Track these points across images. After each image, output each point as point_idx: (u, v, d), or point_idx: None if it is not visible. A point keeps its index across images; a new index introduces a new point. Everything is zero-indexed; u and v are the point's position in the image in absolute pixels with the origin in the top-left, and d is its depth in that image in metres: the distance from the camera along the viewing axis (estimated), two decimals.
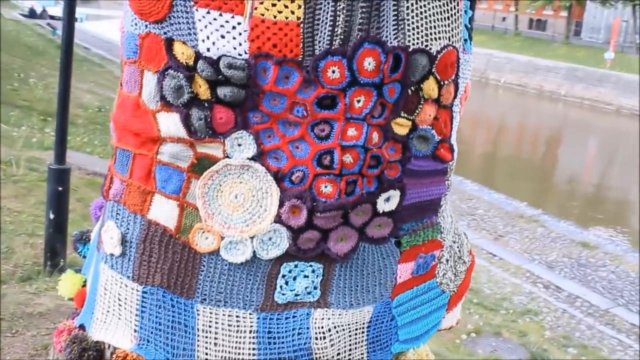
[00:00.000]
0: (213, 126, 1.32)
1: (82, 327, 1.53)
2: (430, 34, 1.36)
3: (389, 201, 1.44)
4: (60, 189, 4.64)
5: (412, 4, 1.33)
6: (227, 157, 1.35)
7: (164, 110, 1.34)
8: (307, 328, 1.42)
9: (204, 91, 1.31)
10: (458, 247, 1.67)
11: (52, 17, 31.29)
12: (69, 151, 4.83)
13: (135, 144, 1.39)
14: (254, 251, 1.38)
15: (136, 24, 1.34)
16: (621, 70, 31.19)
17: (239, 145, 1.34)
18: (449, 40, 1.41)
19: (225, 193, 1.37)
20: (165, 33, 1.30)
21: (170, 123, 1.34)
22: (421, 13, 1.35)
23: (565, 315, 6.54)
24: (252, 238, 1.38)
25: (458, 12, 1.43)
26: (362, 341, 1.48)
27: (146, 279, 1.40)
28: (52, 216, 4.66)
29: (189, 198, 1.38)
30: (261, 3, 1.27)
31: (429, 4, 1.35)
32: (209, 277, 1.40)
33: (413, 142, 1.44)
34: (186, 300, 1.40)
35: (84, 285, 1.71)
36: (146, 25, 1.32)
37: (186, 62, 1.30)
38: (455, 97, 1.49)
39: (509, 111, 28.02)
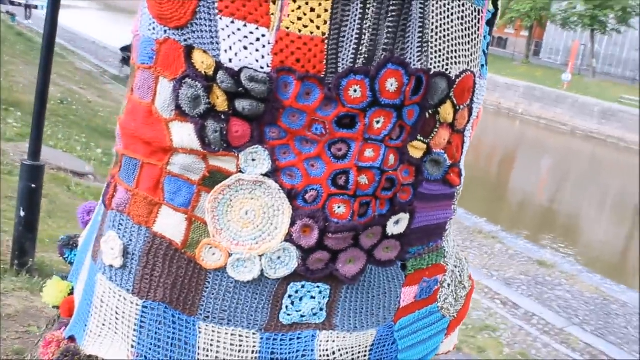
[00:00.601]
0: (228, 139, 1.28)
1: (71, 338, 1.46)
2: (451, 57, 1.35)
3: (398, 224, 1.42)
4: (33, 186, 4.48)
5: (436, 27, 1.31)
6: (240, 171, 1.31)
7: (178, 119, 1.29)
8: (312, 350, 1.38)
9: (221, 103, 1.27)
10: (459, 271, 1.65)
11: (11, 3, 30.49)
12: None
13: (145, 152, 1.34)
14: (262, 270, 1.34)
15: (154, 29, 1.28)
16: (577, 92, 31.91)
17: (253, 160, 1.30)
18: (468, 65, 1.40)
19: (236, 209, 1.33)
20: (185, 40, 1.26)
21: (184, 133, 1.29)
22: (444, 36, 1.33)
23: (522, 332, 6.62)
24: (260, 256, 1.33)
25: (478, 37, 1.42)
26: None
27: (147, 293, 1.35)
28: (22, 214, 4.49)
29: (197, 212, 1.33)
30: (287, 16, 1.24)
31: (452, 27, 1.34)
32: (213, 294, 1.35)
33: (426, 166, 1.42)
34: (188, 317, 1.35)
35: (71, 293, 1.64)
36: (165, 31, 1.27)
37: (205, 72, 1.25)
38: (468, 121, 1.48)
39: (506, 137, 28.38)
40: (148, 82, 1.31)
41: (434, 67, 1.32)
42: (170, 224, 1.34)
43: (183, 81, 1.26)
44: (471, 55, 1.40)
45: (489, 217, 11.67)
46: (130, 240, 1.36)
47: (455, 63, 1.36)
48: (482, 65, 1.49)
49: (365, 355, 1.45)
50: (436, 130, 1.40)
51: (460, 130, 1.47)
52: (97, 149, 9.14)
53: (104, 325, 1.39)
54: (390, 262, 1.45)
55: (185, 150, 1.30)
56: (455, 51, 1.36)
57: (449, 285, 1.61)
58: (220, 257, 1.33)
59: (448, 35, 1.34)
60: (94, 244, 1.47)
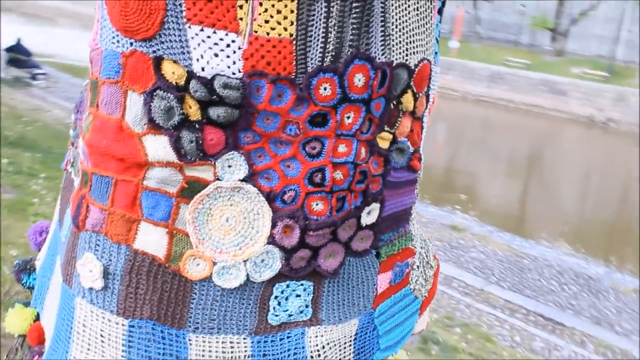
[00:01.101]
0: (204, 148, 1.27)
1: None
2: (410, 48, 1.39)
3: (370, 214, 1.45)
4: None
5: (396, 19, 1.35)
6: (218, 179, 1.30)
7: (150, 133, 1.26)
8: (303, 347, 1.40)
9: (194, 112, 1.25)
10: (425, 252, 1.71)
11: None
12: None
13: (118, 169, 1.30)
14: (247, 274, 1.34)
15: (118, 41, 1.24)
16: (466, 58, 33.04)
17: (230, 166, 1.29)
18: (424, 53, 1.44)
19: (216, 217, 1.32)
20: (154, 52, 1.23)
21: (158, 147, 1.26)
22: (403, 28, 1.36)
23: (445, 297, 6.88)
24: (245, 261, 1.33)
25: (432, 25, 1.46)
26: (350, 354, 1.48)
27: (133, 312, 1.32)
28: None
29: (178, 224, 1.31)
30: (254, 20, 1.23)
31: (410, 18, 1.38)
32: (200, 304, 1.34)
33: (392, 155, 1.46)
34: (177, 331, 1.33)
35: (36, 320, 1.58)
36: (131, 43, 1.23)
37: (176, 82, 1.23)
38: (426, 108, 1.53)
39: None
40: (116, 97, 1.27)
41: (396, 59, 1.36)
42: (151, 240, 1.31)
43: (154, 93, 1.23)
44: (427, 44, 1.45)
45: None
46: (110, 260, 1.32)
47: (414, 53, 1.40)
48: (435, 53, 1.54)
49: (350, 345, 1.48)
50: (400, 119, 1.44)
51: (420, 117, 1.51)
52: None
53: (89, 349, 1.35)
54: (366, 251, 1.48)
55: (161, 163, 1.27)
56: (413, 41, 1.39)
57: (417, 266, 1.66)
58: (205, 267, 1.32)
59: (406, 26, 1.37)
60: (65, 267, 1.42)
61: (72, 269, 1.39)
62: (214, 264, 1.32)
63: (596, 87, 27.64)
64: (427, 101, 1.53)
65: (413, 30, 1.39)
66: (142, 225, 1.31)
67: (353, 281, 1.49)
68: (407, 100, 1.43)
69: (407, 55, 1.38)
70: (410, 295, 1.64)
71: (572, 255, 9.76)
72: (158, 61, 1.23)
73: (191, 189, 1.29)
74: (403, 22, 1.36)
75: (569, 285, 8.19)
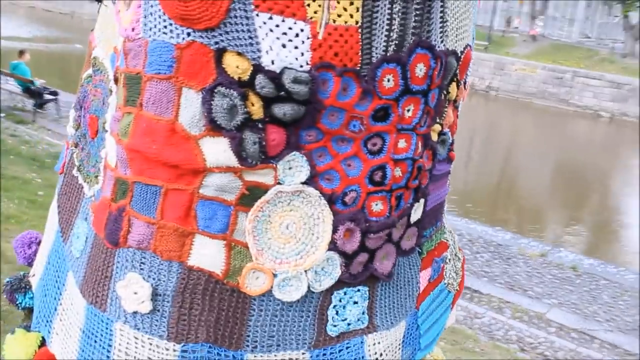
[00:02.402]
0: (266, 150, 1.13)
1: None
2: (458, 34, 1.31)
3: (416, 211, 1.37)
4: None
5: (451, 4, 1.26)
6: (279, 183, 1.17)
7: (209, 135, 1.11)
8: (362, 357, 1.31)
9: (257, 110, 1.11)
10: (453, 244, 1.65)
11: None
12: None
13: (169, 177, 1.14)
14: (308, 284, 1.23)
15: (172, 31, 1.08)
16: None
17: (290, 168, 1.17)
18: (468, 39, 1.36)
19: (275, 224, 1.19)
20: (216, 43, 1.07)
21: (218, 150, 1.12)
22: (455, 13, 1.28)
23: None
24: (306, 271, 1.22)
25: (473, 9, 1.39)
26: (399, 358, 1.41)
27: (187, 335, 1.17)
28: None
29: (236, 235, 1.17)
30: (319, 5, 1.11)
31: (460, 3, 1.29)
32: (259, 321, 1.21)
33: (437, 147, 1.38)
34: (235, 352, 1.20)
35: (42, 345, 1.40)
36: (189, 34, 1.07)
37: (239, 77, 1.09)
38: (463, 96, 1.46)
39: None
40: (167, 95, 1.10)
41: (449, 47, 1.28)
42: (208, 254, 1.17)
43: (215, 90, 1.08)
44: (469, 29, 1.37)
45: None
46: (159, 280, 1.17)
47: (462, 39, 1.32)
48: (473, 37, 1.47)
49: (399, 348, 1.41)
50: (446, 109, 1.37)
51: (458, 105, 1.44)
52: None
53: None
54: (412, 250, 1.41)
55: (221, 168, 1.13)
56: (461, 27, 1.32)
57: (449, 260, 1.60)
58: (264, 280, 1.20)
59: (458, 11, 1.29)
60: (94, 288, 1.24)
61: (104, 290, 1.22)
62: (274, 276, 1.20)
63: (477, 56, 28.83)
64: (465, 89, 1.46)
65: (462, 15, 1.31)
66: (197, 239, 1.16)
67: (401, 282, 1.41)
68: (453, 89, 1.36)
69: (456, 42, 1.30)
70: (445, 291, 1.58)
71: (481, 223, 10.11)
72: (220, 54, 1.08)
73: (251, 195, 1.16)
74: (456, 6, 1.28)
75: (481, 253, 8.48)
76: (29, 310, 1.50)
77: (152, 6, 1.09)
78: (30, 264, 1.55)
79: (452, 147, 1.47)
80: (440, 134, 1.37)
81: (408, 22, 1.19)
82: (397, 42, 1.18)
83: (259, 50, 1.08)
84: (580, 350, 5.10)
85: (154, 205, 1.15)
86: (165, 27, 1.08)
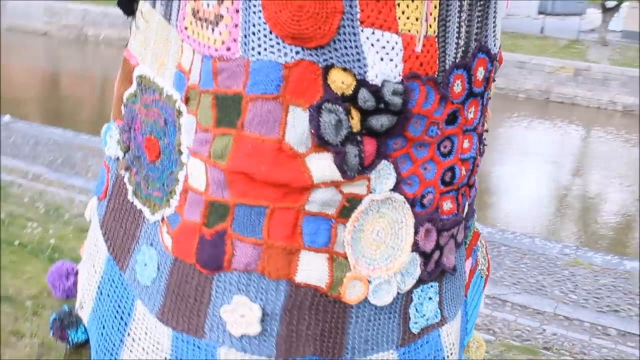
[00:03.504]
0: (363, 161, 1.16)
1: None
2: (497, 36, 1.39)
3: (467, 205, 1.45)
4: None
5: (499, 8, 1.33)
6: (371, 192, 1.20)
7: (314, 151, 1.12)
8: (440, 349, 1.37)
9: (356, 123, 1.14)
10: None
11: None
12: None
13: (275, 197, 1.13)
14: (397, 287, 1.27)
15: (279, 50, 1.07)
16: None
17: (379, 177, 1.20)
18: (500, 40, 1.45)
19: (367, 232, 1.22)
20: (325, 60, 1.08)
21: (324, 166, 1.13)
22: (500, 16, 1.36)
23: None
24: (394, 274, 1.26)
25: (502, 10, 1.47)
26: (458, 344, 1.48)
27: (295, 352, 1.18)
28: None
29: (337, 247, 1.19)
30: (407, 18, 1.14)
31: (503, 4, 1.37)
32: (357, 328, 1.24)
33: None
34: None
35: None
36: (297, 52, 1.07)
37: (342, 92, 1.10)
38: None
39: (112, 65, 27.31)
40: (274, 115, 1.10)
41: (498, 49, 1.36)
42: (313, 269, 1.18)
43: (322, 107, 1.09)
44: (499, 29, 1.45)
45: None
46: (267, 300, 1.16)
47: (498, 39, 1.40)
48: None
49: (459, 335, 1.49)
50: (487, 107, 1.44)
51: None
52: None
53: None
54: (463, 242, 1.48)
55: (326, 183, 1.14)
56: (499, 29, 1.39)
57: (479, 247, 1.69)
58: (361, 288, 1.22)
59: (500, 13, 1.37)
60: (186, 315, 1.21)
61: (201, 317, 1.20)
62: (369, 282, 1.23)
63: None
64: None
65: (499, 18, 1.39)
66: (302, 255, 1.17)
67: (457, 274, 1.48)
68: (492, 88, 1.43)
69: (496, 43, 1.38)
70: (480, 277, 1.67)
71: None
72: (327, 70, 1.09)
73: (350, 207, 1.18)
74: (500, 9, 1.35)
75: None
76: (78, 346, 1.43)
77: (254, 25, 1.08)
78: (69, 297, 1.48)
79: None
80: (485, 130, 1.45)
81: (472, 28, 1.25)
82: (463, 48, 1.24)
83: (365, 65, 1.10)
84: (495, 314, 5.41)
85: (259, 226, 1.15)
86: (272, 46, 1.08)
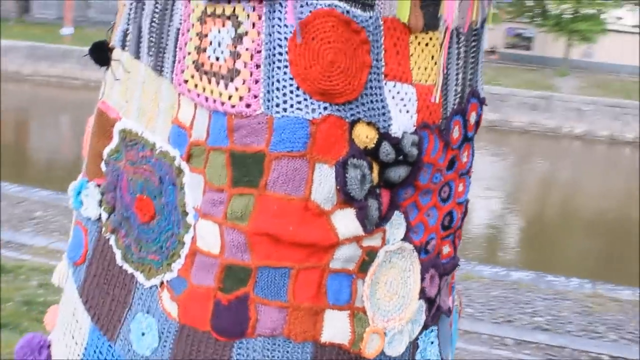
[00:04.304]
0: (381, 214, 1.15)
1: None
2: (482, 79, 1.42)
3: None
4: None
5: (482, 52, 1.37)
6: (385, 243, 1.18)
7: (339, 208, 1.09)
8: None
9: (375, 176, 1.12)
10: None
11: None
12: None
13: (301, 257, 1.09)
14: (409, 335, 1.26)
15: (307, 106, 1.04)
16: (80, 44, 31.64)
17: (391, 227, 1.19)
18: None
19: (381, 284, 1.21)
20: (352, 115, 1.06)
21: (348, 222, 1.10)
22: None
23: None
24: (406, 323, 1.25)
25: None
26: None
27: None
28: None
29: (357, 303, 1.16)
30: (419, 68, 1.15)
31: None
32: None
33: None
34: None
35: None
36: (325, 108, 1.04)
37: (365, 146, 1.08)
38: None
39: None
40: (300, 173, 1.06)
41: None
42: (337, 327, 1.14)
43: (347, 162, 1.07)
44: None
45: None
46: None
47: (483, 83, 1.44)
48: None
49: None
50: None
51: None
52: None
53: None
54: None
55: (350, 239, 1.11)
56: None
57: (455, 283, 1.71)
58: (378, 341, 1.20)
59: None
60: None
61: None
62: (385, 334, 1.21)
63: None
64: None
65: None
66: (327, 315, 1.13)
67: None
68: None
69: (482, 87, 1.41)
70: (456, 311, 1.69)
71: None
72: (352, 125, 1.07)
73: (369, 260, 1.16)
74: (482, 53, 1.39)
75: None
76: None
77: (278, 81, 1.04)
78: None
79: None
80: None
81: (466, 74, 1.28)
82: (460, 94, 1.26)
83: (389, 119, 1.09)
84: None
85: (284, 288, 1.10)
86: (300, 102, 1.04)
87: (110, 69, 1.30)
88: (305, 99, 1.04)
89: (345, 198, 1.08)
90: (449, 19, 1.11)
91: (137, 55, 1.23)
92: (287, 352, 1.12)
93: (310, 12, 1.01)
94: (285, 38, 1.02)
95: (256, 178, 1.06)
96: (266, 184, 1.06)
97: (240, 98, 1.06)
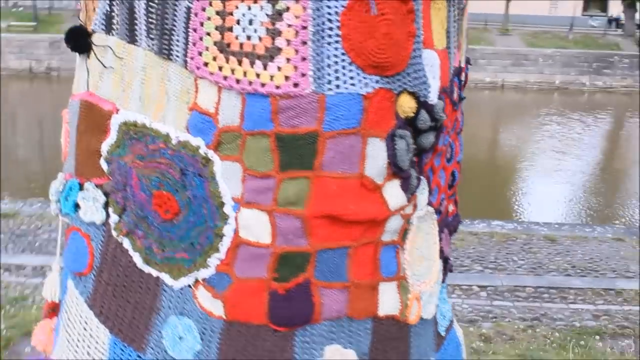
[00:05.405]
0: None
1: None
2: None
3: None
4: None
5: None
6: (416, 210, 1.19)
7: (388, 180, 1.08)
8: (458, 343, 1.43)
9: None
10: None
11: None
12: None
13: (358, 234, 1.07)
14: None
15: (360, 81, 1.00)
16: None
17: (419, 193, 1.20)
18: None
19: (412, 249, 1.21)
20: (399, 86, 1.04)
21: (397, 193, 1.10)
22: None
23: None
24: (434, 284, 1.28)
25: None
26: None
27: None
28: None
29: (402, 272, 1.16)
30: (437, 33, 1.15)
31: None
32: (415, 346, 1.24)
33: None
34: None
35: None
36: (377, 81, 1.01)
37: (407, 116, 1.08)
38: None
39: None
40: (355, 150, 1.03)
41: None
42: (390, 299, 1.14)
43: (394, 134, 1.06)
44: None
45: None
46: (359, 342, 1.11)
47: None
48: None
49: None
50: None
51: None
52: None
53: None
54: None
55: (397, 210, 1.11)
56: None
57: None
58: (417, 306, 1.22)
59: None
60: None
61: None
62: (421, 299, 1.23)
63: (28, 38, 26.83)
64: None
65: None
66: (381, 288, 1.13)
67: None
68: None
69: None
70: None
71: None
72: (397, 96, 1.05)
73: (408, 228, 1.16)
74: None
75: None
76: None
77: (328, 57, 0.99)
78: None
79: None
80: None
81: (458, 36, 1.30)
82: (454, 56, 1.29)
83: (428, 87, 1.09)
84: None
85: (343, 268, 1.08)
86: (352, 77, 1.00)
87: (93, 56, 1.18)
88: (358, 74, 1.01)
89: (395, 170, 1.07)
90: None
91: (132, 40, 1.12)
92: (351, 331, 1.11)
93: None
94: (336, 12, 0.98)
95: (309, 159, 1.02)
96: (321, 164, 1.03)
97: (286, 78, 1.00)
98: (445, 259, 1.33)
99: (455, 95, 1.28)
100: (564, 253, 7.37)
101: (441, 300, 1.37)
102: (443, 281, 1.38)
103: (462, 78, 1.32)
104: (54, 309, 1.37)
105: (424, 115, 1.09)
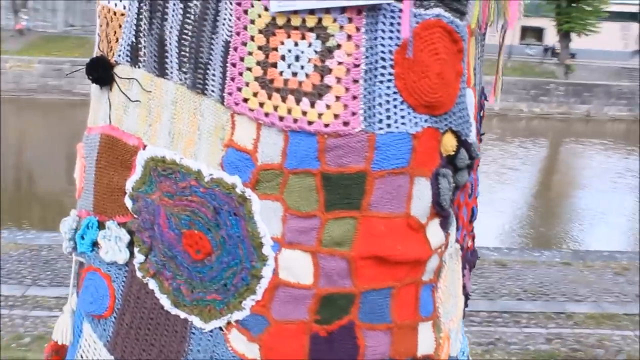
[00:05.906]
0: None
1: None
2: None
3: None
4: None
5: None
6: (448, 247, 1.18)
7: (430, 219, 1.06)
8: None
9: None
10: None
11: None
12: None
13: (401, 274, 1.04)
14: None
15: (410, 120, 0.99)
16: None
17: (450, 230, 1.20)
18: None
19: (444, 287, 1.20)
20: (445, 125, 1.03)
21: (438, 232, 1.08)
22: None
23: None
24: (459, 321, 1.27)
25: None
26: None
27: None
28: None
29: (437, 311, 1.15)
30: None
31: None
32: None
33: None
34: None
35: None
36: (426, 120, 1.00)
37: (448, 155, 1.07)
38: None
39: None
40: (403, 190, 1.01)
41: None
42: (427, 339, 1.12)
43: (438, 174, 1.04)
44: None
45: None
46: None
47: None
48: None
49: None
50: None
51: None
52: None
53: None
54: None
55: (436, 249, 1.09)
56: None
57: None
58: (446, 344, 1.20)
59: None
60: None
61: None
62: (449, 337, 1.22)
63: None
64: None
65: None
66: (420, 328, 1.10)
67: None
68: None
69: None
70: None
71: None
72: (442, 135, 1.04)
73: (443, 267, 1.15)
74: None
75: None
76: None
77: (380, 96, 0.98)
78: None
79: None
80: None
81: (481, 73, 1.31)
82: (480, 92, 1.29)
83: (470, 125, 1.08)
84: None
85: (387, 309, 1.05)
86: (403, 116, 0.99)
87: (116, 88, 1.13)
88: (409, 113, 1.00)
89: (437, 209, 1.06)
90: (513, 18, 1.12)
91: (162, 73, 1.08)
92: None
93: (418, 23, 0.96)
94: (390, 51, 0.96)
95: (357, 199, 1.00)
96: (369, 204, 1.00)
97: (335, 116, 0.98)
98: (466, 295, 1.32)
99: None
100: (515, 277, 7.48)
101: (463, 336, 1.36)
102: (463, 317, 1.37)
103: (482, 114, 1.32)
104: (57, 352, 1.29)
105: (463, 153, 1.09)
